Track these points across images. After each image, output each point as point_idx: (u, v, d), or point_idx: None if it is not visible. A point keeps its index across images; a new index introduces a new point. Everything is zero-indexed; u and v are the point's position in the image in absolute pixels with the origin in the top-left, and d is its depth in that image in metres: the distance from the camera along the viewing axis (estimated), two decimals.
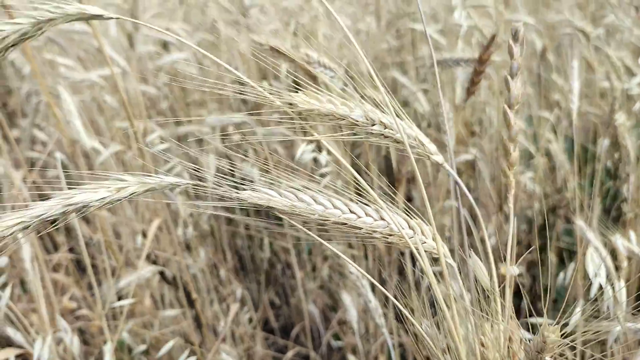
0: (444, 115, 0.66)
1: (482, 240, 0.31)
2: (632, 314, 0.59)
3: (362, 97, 0.31)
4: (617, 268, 0.67)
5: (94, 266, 1.01)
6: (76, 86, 1.34)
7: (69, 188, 0.27)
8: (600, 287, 0.66)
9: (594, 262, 0.56)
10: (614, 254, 0.66)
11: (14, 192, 0.87)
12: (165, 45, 1.47)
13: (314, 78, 0.64)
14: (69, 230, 1.04)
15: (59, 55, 1.09)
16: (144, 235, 0.91)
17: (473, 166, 1.22)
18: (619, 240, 0.64)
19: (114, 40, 1.21)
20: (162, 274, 0.73)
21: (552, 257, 0.93)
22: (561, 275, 0.81)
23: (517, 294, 1.03)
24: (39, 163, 1.03)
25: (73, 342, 0.59)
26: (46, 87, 0.77)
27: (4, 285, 0.68)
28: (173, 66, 1.46)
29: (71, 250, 1.01)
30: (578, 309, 0.71)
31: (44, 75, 1.24)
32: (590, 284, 0.69)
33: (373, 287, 0.70)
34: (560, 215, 0.92)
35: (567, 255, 0.98)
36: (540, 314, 1.00)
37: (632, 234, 0.64)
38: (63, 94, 0.80)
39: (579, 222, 0.67)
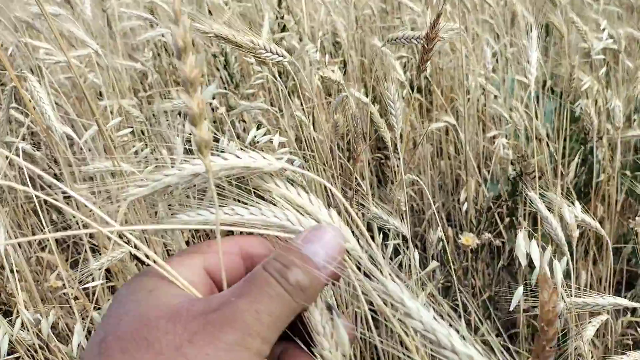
0: (391, 97, 0.66)
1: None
2: (578, 288, 0.60)
3: None
4: (570, 238, 0.68)
5: (76, 245, 1.05)
6: (56, 67, 1.35)
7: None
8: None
9: (526, 241, 0.58)
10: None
11: None
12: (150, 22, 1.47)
13: (264, 63, 0.65)
14: (49, 212, 1.07)
15: (37, 39, 1.10)
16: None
17: (457, 132, 1.22)
18: (566, 210, 0.65)
19: (90, 21, 1.21)
20: (135, 255, 0.76)
21: (523, 223, 0.95)
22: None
23: (493, 258, 1.03)
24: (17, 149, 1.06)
25: (42, 324, 0.62)
26: (14, 73, 0.78)
27: None
28: (161, 40, 1.47)
29: (57, 231, 1.05)
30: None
31: (25, 58, 1.26)
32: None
33: None
34: (529, 181, 0.92)
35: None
36: (514, 278, 1.02)
37: (577, 204, 0.65)
38: (32, 80, 0.82)
39: (531, 194, 0.68)
